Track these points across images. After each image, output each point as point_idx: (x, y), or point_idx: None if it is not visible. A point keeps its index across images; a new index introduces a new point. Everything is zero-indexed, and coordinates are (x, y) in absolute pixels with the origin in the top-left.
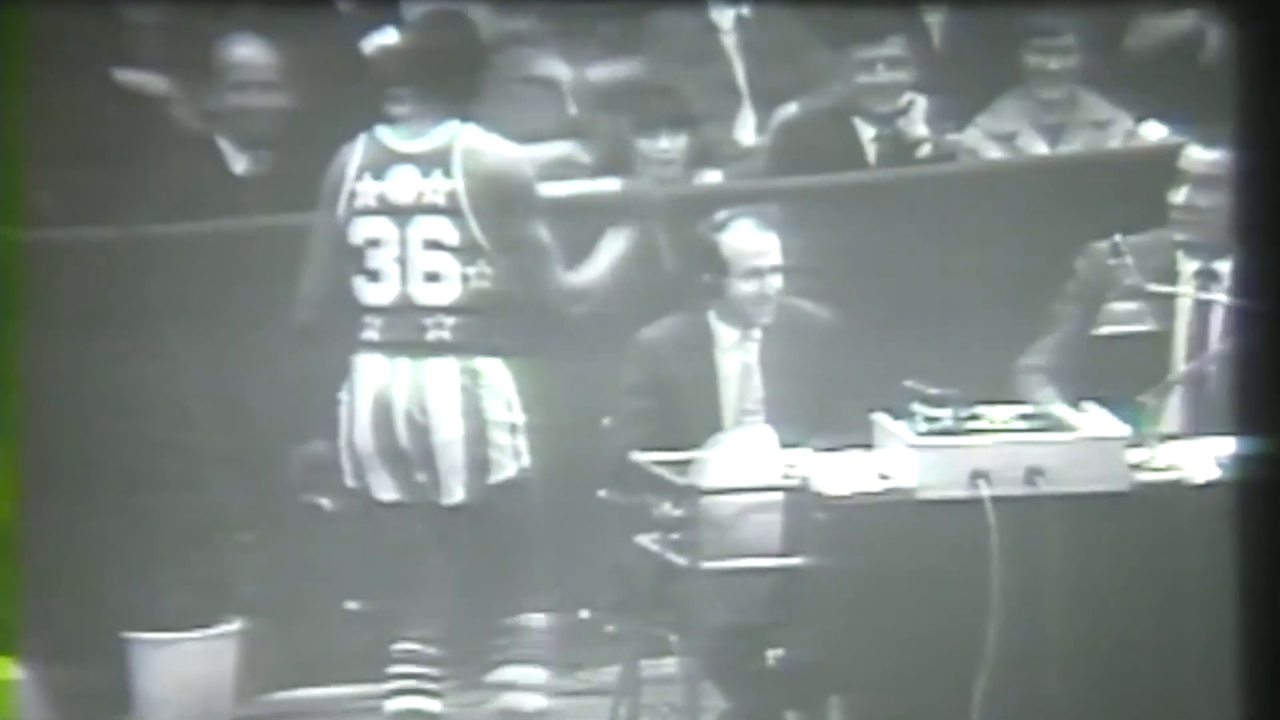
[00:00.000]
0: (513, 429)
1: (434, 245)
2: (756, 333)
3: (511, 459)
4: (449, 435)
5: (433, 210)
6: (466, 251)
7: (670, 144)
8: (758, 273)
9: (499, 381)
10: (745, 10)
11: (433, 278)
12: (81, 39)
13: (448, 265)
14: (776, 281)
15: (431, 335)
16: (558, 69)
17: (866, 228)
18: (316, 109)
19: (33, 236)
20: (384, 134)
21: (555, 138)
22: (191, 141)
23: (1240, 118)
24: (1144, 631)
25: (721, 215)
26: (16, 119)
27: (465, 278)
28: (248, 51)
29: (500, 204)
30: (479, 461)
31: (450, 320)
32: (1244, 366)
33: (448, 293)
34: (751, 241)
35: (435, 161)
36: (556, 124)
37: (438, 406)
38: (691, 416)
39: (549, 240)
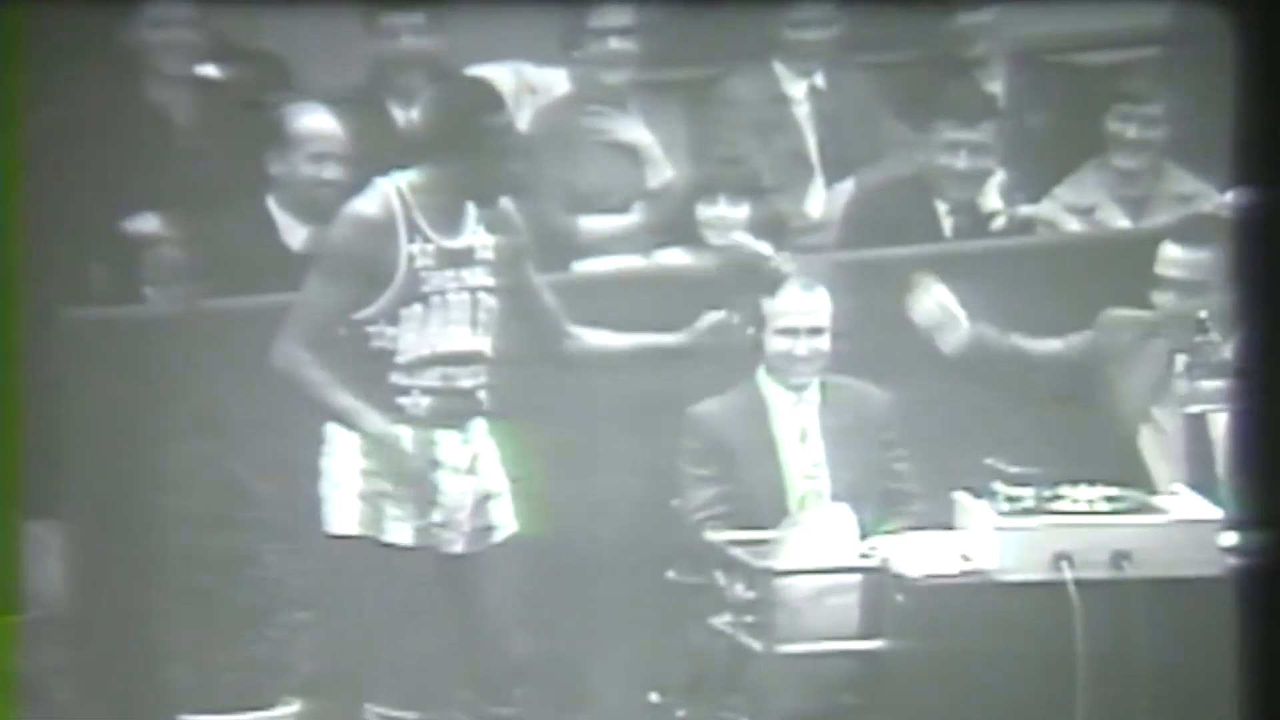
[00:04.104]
0: (335, 486)
1: None
2: (811, 395)
3: (329, 518)
4: None
5: None
6: None
7: (729, 211)
8: (792, 332)
9: (336, 438)
10: (819, 80)
11: None
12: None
13: None
14: (817, 343)
15: None
16: (637, 133)
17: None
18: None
19: (87, 312)
20: None
21: (629, 202)
22: (246, 214)
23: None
24: None
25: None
26: (16, 119)
27: None
28: (320, 125)
29: None
30: None
31: None
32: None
33: None
34: (791, 300)
35: None
36: (631, 189)
37: None
38: (753, 478)
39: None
